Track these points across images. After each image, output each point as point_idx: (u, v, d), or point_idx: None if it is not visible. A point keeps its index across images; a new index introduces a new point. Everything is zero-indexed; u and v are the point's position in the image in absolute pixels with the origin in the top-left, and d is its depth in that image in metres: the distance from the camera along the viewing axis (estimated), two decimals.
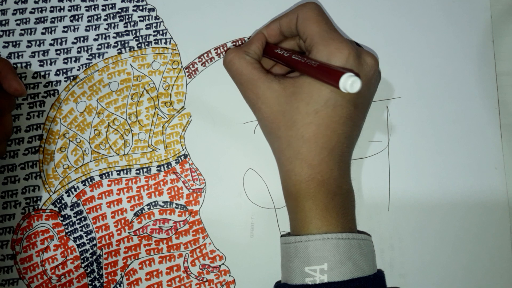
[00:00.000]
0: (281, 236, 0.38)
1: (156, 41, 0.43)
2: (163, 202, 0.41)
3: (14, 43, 0.42)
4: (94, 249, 0.40)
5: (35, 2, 0.43)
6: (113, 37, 0.43)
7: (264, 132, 0.38)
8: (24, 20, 0.43)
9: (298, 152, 0.34)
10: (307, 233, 0.34)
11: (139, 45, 0.43)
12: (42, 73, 0.42)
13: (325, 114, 0.34)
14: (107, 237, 0.40)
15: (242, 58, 0.37)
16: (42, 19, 0.43)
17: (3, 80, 0.38)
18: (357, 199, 0.40)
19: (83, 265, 0.40)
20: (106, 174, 0.41)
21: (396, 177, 0.41)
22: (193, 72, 0.42)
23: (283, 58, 0.37)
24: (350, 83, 0.29)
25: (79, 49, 0.42)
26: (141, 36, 0.43)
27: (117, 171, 0.41)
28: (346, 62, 0.33)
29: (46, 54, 0.42)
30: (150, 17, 0.43)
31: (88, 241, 0.40)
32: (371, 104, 0.38)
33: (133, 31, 0.43)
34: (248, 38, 0.43)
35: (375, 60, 0.35)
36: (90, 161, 0.41)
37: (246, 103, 0.41)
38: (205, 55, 0.43)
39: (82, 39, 0.43)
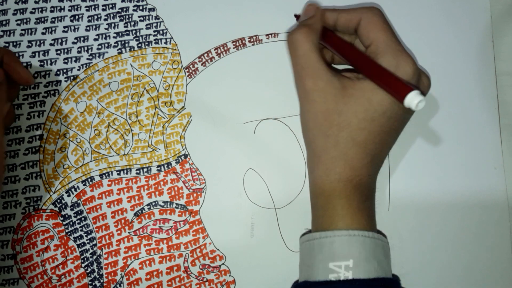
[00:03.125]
0: (302, 235, 0.37)
1: (156, 41, 0.43)
2: (163, 202, 0.41)
3: (14, 43, 0.42)
4: (94, 249, 0.40)
5: (36, 2, 0.43)
6: (113, 37, 0.43)
7: (309, 126, 0.36)
8: (25, 20, 0.43)
9: (345, 153, 0.34)
10: (334, 229, 0.33)
11: (139, 45, 0.43)
12: (43, 73, 0.42)
13: (380, 123, 0.34)
14: (107, 237, 0.40)
15: (311, 42, 0.34)
16: (43, 19, 0.43)
17: (12, 72, 0.39)
18: None
19: (83, 265, 0.40)
20: (106, 174, 0.41)
21: (396, 177, 0.41)
22: (193, 72, 0.42)
23: (348, 54, 0.36)
24: (416, 102, 0.30)
25: (79, 49, 0.43)
26: (141, 36, 0.43)
27: (117, 171, 0.41)
28: (412, 77, 0.33)
29: (46, 54, 0.42)
30: (150, 17, 0.43)
31: (88, 241, 0.40)
32: None
33: (133, 31, 0.43)
34: (248, 38, 0.43)
35: (429, 83, 0.35)
36: (90, 161, 0.41)
37: (245, 103, 0.41)
38: (205, 55, 0.43)
39: (82, 39, 0.43)
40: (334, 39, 0.37)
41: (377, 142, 0.34)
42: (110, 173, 0.41)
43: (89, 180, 0.41)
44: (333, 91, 0.34)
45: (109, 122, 0.42)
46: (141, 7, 0.43)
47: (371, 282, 0.31)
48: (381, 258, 0.33)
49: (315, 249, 0.33)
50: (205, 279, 0.40)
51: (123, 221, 0.40)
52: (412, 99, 0.30)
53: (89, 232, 0.40)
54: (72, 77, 0.42)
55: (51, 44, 0.42)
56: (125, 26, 0.43)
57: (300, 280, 0.35)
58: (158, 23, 0.43)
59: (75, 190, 0.41)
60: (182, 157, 0.41)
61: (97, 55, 0.42)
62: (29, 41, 0.42)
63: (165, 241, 0.40)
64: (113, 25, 0.43)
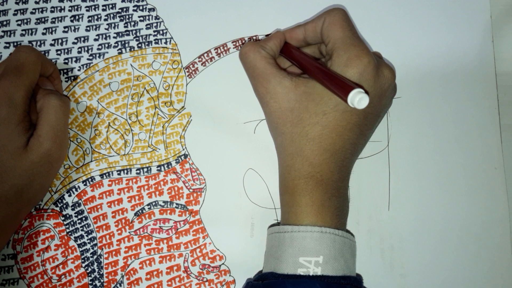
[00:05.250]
0: (271, 225, 0.38)
1: (156, 41, 0.43)
2: (164, 202, 0.41)
3: (15, 44, 0.43)
4: (95, 248, 0.40)
5: (36, 3, 0.43)
6: (114, 37, 0.43)
7: (269, 127, 0.38)
8: (25, 21, 0.43)
9: (300, 149, 0.35)
10: (300, 225, 0.34)
11: (139, 45, 0.43)
12: None
13: (333, 117, 0.34)
14: (107, 236, 0.40)
15: (257, 51, 0.37)
16: (43, 20, 0.43)
17: (53, 83, 0.40)
18: (357, 199, 0.40)
19: (83, 265, 0.40)
20: (107, 174, 0.41)
21: (396, 177, 0.41)
22: (193, 72, 0.42)
23: (298, 60, 0.37)
24: (358, 99, 0.30)
25: (79, 49, 0.43)
26: (141, 36, 0.43)
27: (117, 171, 0.41)
28: (364, 70, 0.33)
29: (47, 54, 0.42)
30: (150, 17, 0.43)
31: (88, 241, 0.40)
32: (382, 117, 0.38)
33: (133, 31, 0.43)
34: (248, 38, 0.43)
35: (393, 73, 0.36)
36: (91, 161, 0.41)
37: (245, 103, 0.41)
38: (205, 55, 0.43)
39: (82, 39, 0.43)
40: (289, 49, 0.39)
41: (334, 137, 0.34)
42: (110, 173, 0.41)
43: (90, 180, 0.41)
44: (283, 90, 0.35)
45: (109, 122, 0.42)
46: (141, 7, 0.43)
47: (339, 279, 0.32)
48: (347, 257, 0.34)
49: (286, 243, 0.34)
50: (205, 279, 0.40)
51: (123, 221, 0.40)
52: (354, 97, 0.30)
53: (89, 232, 0.40)
54: (72, 78, 0.42)
55: (51, 45, 0.43)
56: (125, 26, 0.43)
57: (265, 271, 0.35)
58: (158, 23, 0.43)
59: (76, 190, 0.41)
60: (182, 157, 0.41)
61: (97, 55, 0.42)
62: (30, 42, 0.43)
63: (165, 241, 0.40)
64: (113, 25, 0.43)
